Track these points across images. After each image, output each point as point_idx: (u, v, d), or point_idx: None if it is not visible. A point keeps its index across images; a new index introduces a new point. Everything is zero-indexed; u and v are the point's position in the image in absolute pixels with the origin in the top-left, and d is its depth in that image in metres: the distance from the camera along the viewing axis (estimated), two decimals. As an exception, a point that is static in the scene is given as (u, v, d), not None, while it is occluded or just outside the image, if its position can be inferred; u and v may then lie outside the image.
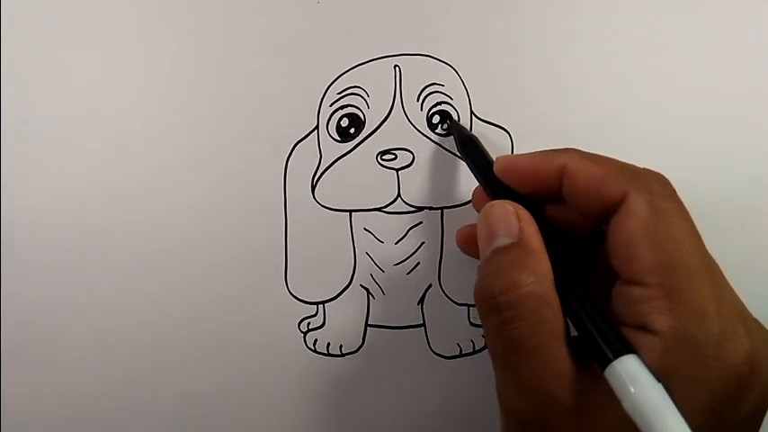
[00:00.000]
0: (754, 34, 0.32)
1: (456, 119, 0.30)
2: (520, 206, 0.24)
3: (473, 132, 0.30)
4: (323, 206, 0.30)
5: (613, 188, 0.23)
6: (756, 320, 0.23)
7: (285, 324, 0.31)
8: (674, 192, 0.23)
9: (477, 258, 0.26)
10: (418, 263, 0.31)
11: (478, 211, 0.27)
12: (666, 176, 0.24)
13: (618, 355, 0.20)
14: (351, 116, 0.30)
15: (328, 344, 0.31)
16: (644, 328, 0.21)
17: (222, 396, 0.31)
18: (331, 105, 0.30)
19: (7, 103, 0.29)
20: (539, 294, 0.22)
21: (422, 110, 0.30)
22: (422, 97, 0.30)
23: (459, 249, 0.31)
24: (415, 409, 0.32)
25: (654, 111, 0.31)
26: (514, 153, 0.31)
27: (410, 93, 0.30)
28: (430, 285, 0.31)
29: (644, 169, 0.24)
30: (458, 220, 0.31)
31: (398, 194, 0.30)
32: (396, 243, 0.31)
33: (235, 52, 0.30)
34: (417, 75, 0.30)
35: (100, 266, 0.30)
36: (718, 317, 0.20)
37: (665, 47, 0.31)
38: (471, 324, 0.32)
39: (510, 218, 0.24)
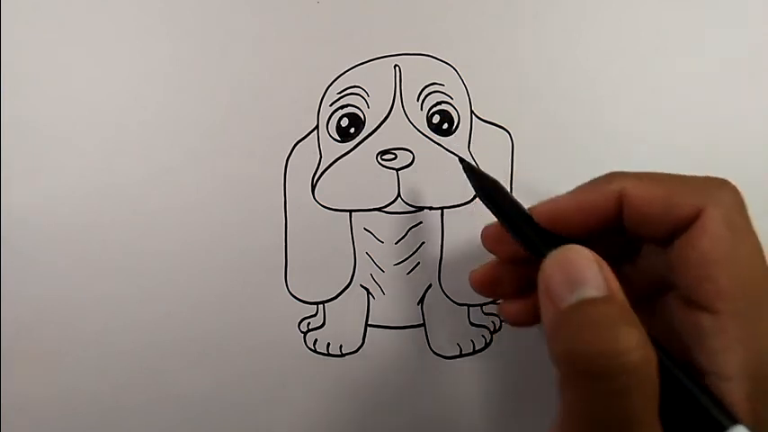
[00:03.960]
0: (754, 34, 0.32)
1: (469, 162, 0.27)
2: (595, 254, 0.21)
3: (490, 175, 0.27)
4: (323, 206, 0.30)
5: (685, 205, 0.21)
6: None
7: (285, 324, 0.31)
8: (744, 204, 0.21)
9: (501, 257, 0.26)
10: (418, 263, 0.31)
11: (491, 250, 0.26)
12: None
13: (724, 427, 0.18)
14: (351, 116, 0.30)
15: (328, 344, 0.31)
16: (716, 370, 0.19)
17: (222, 396, 0.31)
18: (331, 105, 0.30)
19: (7, 103, 0.29)
20: (650, 360, 0.18)
21: (422, 110, 0.30)
22: (422, 97, 0.30)
23: (459, 249, 0.31)
24: (414, 409, 0.32)
25: (654, 111, 0.31)
26: (547, 199, 0.26)
27: (410, 92, 0.30)
28: (430, 285, 0.31)
29: (711, 179, 0.22)
30: (458, 220, 0.31)
31: (398, 194, 0.30)
32: (396, 243, 0.31)
33: (235, 52, 0.30)
34: (417, 74, 0.30)
35: (100, 266, 0.30)
36: None
37: (665, 47, 0.31)
38: (471, 324, 0.32)
39: (594, 267, 0.20)
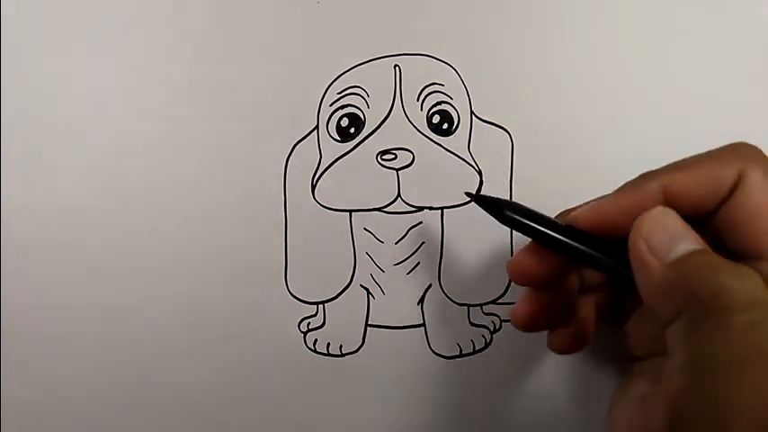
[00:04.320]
0: (756, 35, 0.31)
1: (474, 187, 0.28)
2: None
3: (506, 199, 0.27)
4: (323, 206, 0.30)
5: (727, 177, 0.22)
6: None
7: (285, 324, 0.31)
8: None
9: (535, 285, 0.25)
10: (418, 263, 0.31)
11: (519, 282, 0.25)
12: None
13: None
14: (351, 116, 0.30)
15: (328, 344, 0.31)
16: None
17: (222, 396, 0.31)
18: (331, 105, 0.30)
19: (7, 103, 0.29)
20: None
21: (422, 110, 0.30)
22: (422, 97, 0.30)
23: (459, 249, 0.31)
24: (414, 410, 0.32)
25: (654, 110, 0.31)
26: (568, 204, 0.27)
27: (410, 92, 0.30)
28: (430, 285, 0.31)
29: (736, 145, 0.23)
30: (458, 220, 0.31)
31: (398, 194, 0.30)
32: (396, 243, 0.31)
33: (235, 52, 0.30)
34: (417, 74, 0.30)
35: (99, 267, 0.30)
36: None
37: (665, 47, 0.31)
38: (471, 324, 0.32)
39: (686, 225, 0.21)
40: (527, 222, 0.24)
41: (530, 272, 0.25)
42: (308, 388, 0.31)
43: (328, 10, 0.30)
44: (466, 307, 0.31)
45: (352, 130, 0.30)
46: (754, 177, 0.21)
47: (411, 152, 0.30)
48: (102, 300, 0.30)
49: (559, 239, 0.23)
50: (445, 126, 0.30)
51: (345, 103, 0.30)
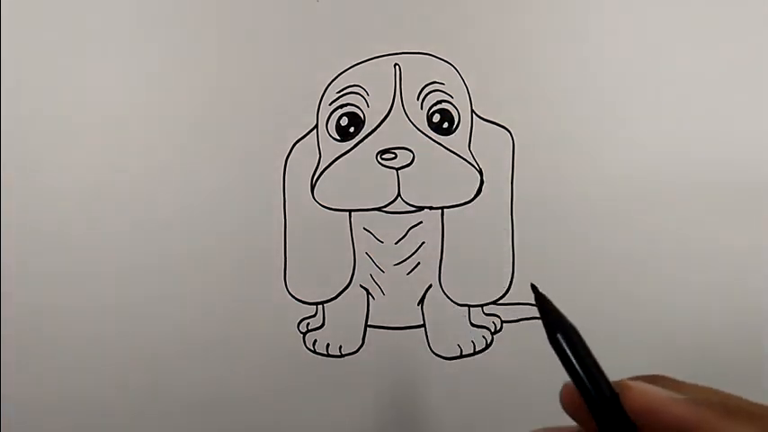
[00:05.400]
0: (755, 35, 0.31)
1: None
2: None
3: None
4: (322, 206, 0.30)
5: None
6: None
7: (284, 324, 0.31)
8: None
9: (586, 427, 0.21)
10: (418, 263, 0.31)
11: (570, 413, 0.21)
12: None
13: None
14: (350, 115, 0.30)
15: (328, 344, 0.31)
16: None
17: (222, 396, 0.31)
18: (331, 104, 0.30)
19: (7, 102, 0.29)
20: None
21: (422, 108, 0.30)
22: (422, 96, 0.30)
23: (459, 249, 0.30)
24: (414, 410, 0.32)
25: (654, 110, 0.31)
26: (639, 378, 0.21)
27: (410, 91, 0.30)
28: (430, 285, 0.31)
29: None
30: (458, 220, 0.31)
31: (398, 194, 0.30)
32: (396, 243, 0.31)
33: (234, 51, 0.29)
34: (417, 73, 0.30)
35: (99, 267, 0.30)
36: None
37: (665, 47, 0.31)
38: (472, 325, 0.31)
39: None
40: (569, 356, 0.20)
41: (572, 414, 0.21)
42: (308, 388, 0.31)
43: (328, 10, 0.30)
44: (466, 307, 0.31)
45: (352, 129, 0.30)
46: None
47: (411, 151, 0.30)
48: (102, 300, 0.30)
49: (590, 393, 0.20)
50: (445, 125, 0.30)
51: (345, 102, 0.30)
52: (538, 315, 0.21)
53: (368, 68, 0.30)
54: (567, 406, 0.21)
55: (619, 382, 0.20)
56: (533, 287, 0.21)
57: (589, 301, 0.31)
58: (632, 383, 0.20)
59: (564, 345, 0.20)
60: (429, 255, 0.31)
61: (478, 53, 0.30)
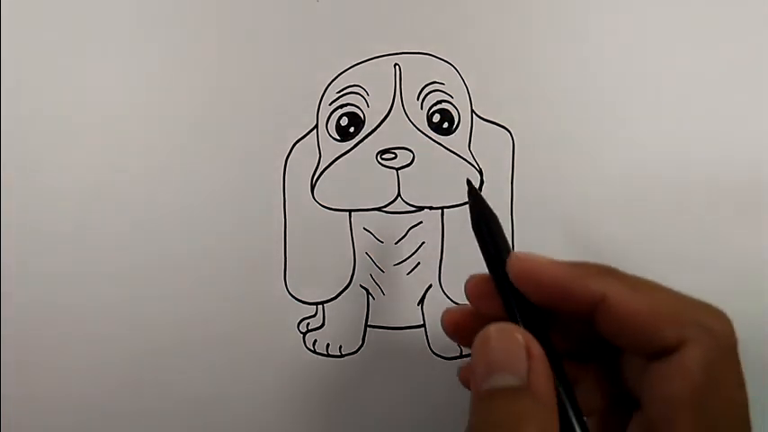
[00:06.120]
0: (755, 35, 0.31)
1: (475, 185, 0.26)
2: (532, 337, 0.19)
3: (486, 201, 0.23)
4: (322, 206, 0.30)
5: (667, 333, 0.19)
6: None
7: (284, 325, 0.31)
8: (735, 340, 0.19)
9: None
10: (418, 263, 0.31)
11: (474, 305, 0.23)
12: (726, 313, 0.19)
13: None
14: (350, 115, 0.30)
15: (328, 344, 0.31)
16: None
17: (222, 396, 0.31)
18: (331, 104, 0.30)
19: (7, 102, 0.29)
20: None
21: (422, 108, 0.30)
22: (422, 96, 0.30)
23: (459, 249, 0.30)
24: (414, 410, 0.32)
25: (654, 110, 0.31)
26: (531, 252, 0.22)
27: (410, 91, 0.30)
28: (430, 285, 0.31)
29: (705, 308, 0.19)
30: (458, 220, 0.31)
31: (398, 194, 0.30)
32: (396, 243, 0.31)
33: (234, 51, 0.30)
34: (417, 73, 0.30)
35: (99, 267, 0.30)
36: None
37: (665, 47, 0.31)
38: (472, 325, 0.31)
39: (518, 352, 0.19)
40: (485, 237, 0.23)
41: (475, 303, 0.23)
42: (307, 388, 0.31)
43: (328, 9, 0.30)
44: (466, 307, 0.31)
45: (352, 129, 0.30)
46: (691, 361, 0.18)
47: (411, 151, 0.30)
48: (101, 300, 0.30)
49: (494, 269, 0.22)
50: (445, 125, 0.30)
51: (345, 102, 0.30)
52: None
53: (368, 68, 0.30)
54: (471, 294, 0.23)
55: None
56: (468, 182, 0.24)
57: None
58: (519, 252, 0.22)
59: (483, 230, 0.23)
60: (429, 255, 0.31)
61: (478, 53, 0.30)
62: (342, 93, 0.30)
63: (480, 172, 0.30)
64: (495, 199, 0.31)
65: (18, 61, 0.29)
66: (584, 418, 0.19)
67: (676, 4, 0.31)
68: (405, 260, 0.31)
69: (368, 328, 0.31)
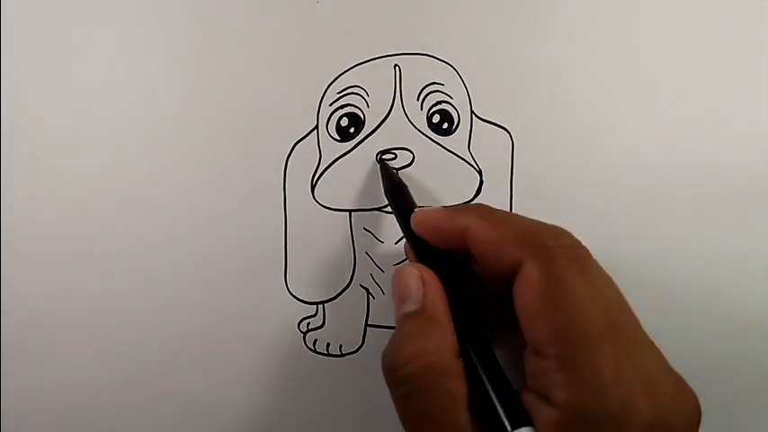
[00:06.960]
0: (755, 35, 0.31)
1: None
2: (427, 269, 0.24)
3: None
4: (323, 206, 0.30)
5: (510, 255, 0.22)
6: (675, 380, 0.21)
7: (285, 324, 0.31)
8: (580, 251, 0.22)
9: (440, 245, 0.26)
10: (418, 263, 0.31)
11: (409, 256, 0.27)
12: (570, 233, 0.22)
13: (515, 426, 0.20)
14: (350, 115, 0.30)
15: (328, 344, 0.31)
16: (546, 399, 0.20)
17: (221, 396, 0.31)
18: (331, 105, 0.30)
19: (7, 103, 0.29)
20: (440, 365, 0.21)
21: (422, 109, 0.30)
22: (422, 97, 0.30)
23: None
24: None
25: (654, 110, 0.31)
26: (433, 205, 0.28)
27: (410, 92, 0.30)
28: (430, 285, 0.31)
29: (545, 228, 0.22)
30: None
31: (399, 194, 0.30)
32: (396, 243, 0.31)
33: (234, 52, 0.29)
34: (417, 74, 0.30)
35: (100, 267, 0.30)
36: (618, 389, 0.19)
37: (665, 46, 0.31)
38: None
39: (415, 283, 0.23)
40: (396, 203, 0.28)
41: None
42: (308, 388, 0.31)
43: (328, 10, 0.30)
44: (466, 307, 0.31)
45: (352, 130, 0.30)
46: (530, 273, 0.21)
47: (411, 152, 0.30)
48: (101, 300, 0.30)
49: (405, 228, 0.27)
50: (445, 126, 0.30)
51: (345, 103, 0.30)
52: None
53: (368, 69, 0.30)
54: (407, 254, 0.28)
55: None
56: (378, 159, 0.29)
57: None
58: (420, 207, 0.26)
59: (395, 194, 0.28)
60: (429, 255, 0.31)
61: (478, 54, 0.30)
62: (342, 93, 0.30)
63: (480, 172, 0.30)
64: (494, 199, 0.31)
65: (18, 61, 0.29)
66: (486, 335, 0.23)
67: (676, 5, 0.31)
68: (405, 260, 0.31)
69: (368, 328, 0.31)
